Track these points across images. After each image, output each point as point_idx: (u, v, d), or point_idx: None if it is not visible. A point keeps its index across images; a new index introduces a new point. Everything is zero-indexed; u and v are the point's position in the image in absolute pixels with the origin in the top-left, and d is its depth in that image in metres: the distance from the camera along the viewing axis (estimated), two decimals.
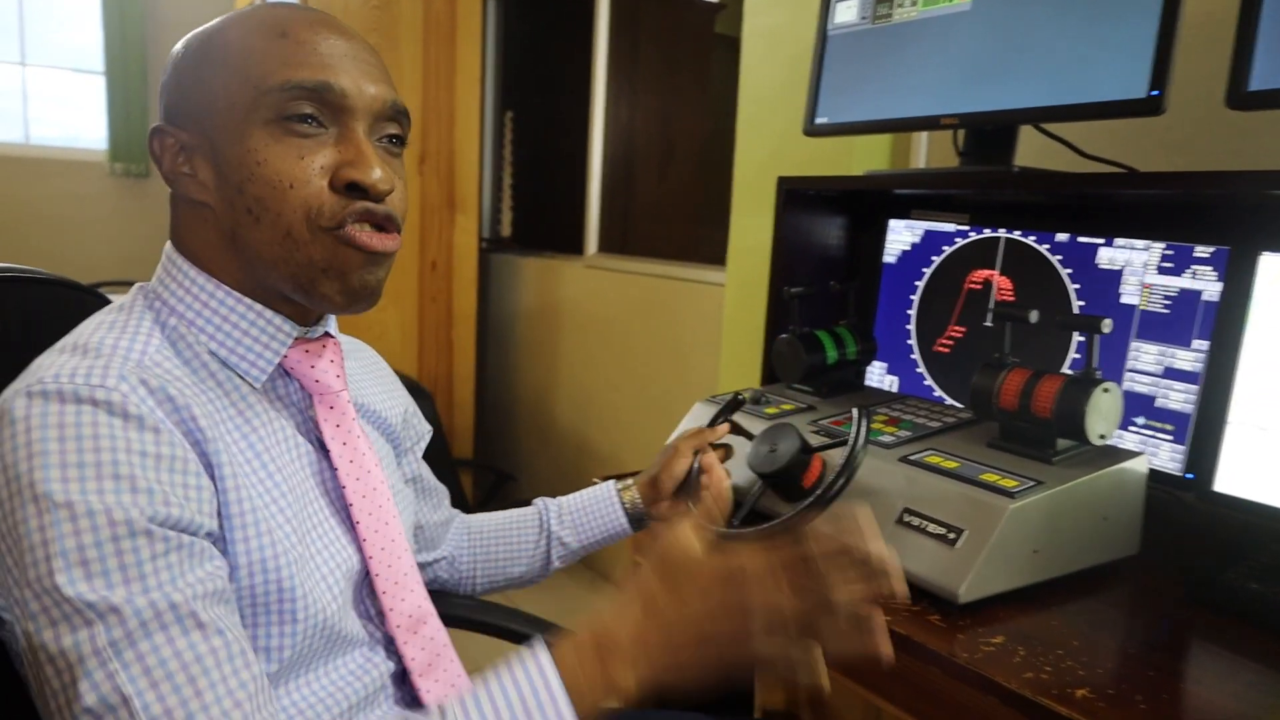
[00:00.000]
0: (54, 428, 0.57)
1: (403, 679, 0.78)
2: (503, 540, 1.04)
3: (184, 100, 0.69)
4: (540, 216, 3.52)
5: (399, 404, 0.89)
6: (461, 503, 2.81)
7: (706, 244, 2.79)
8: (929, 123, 1.18)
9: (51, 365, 0.61)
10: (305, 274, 0.68)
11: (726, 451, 1.05)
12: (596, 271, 2.85)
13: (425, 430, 0.96)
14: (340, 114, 0.68)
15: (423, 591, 0.80)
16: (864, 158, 1.71)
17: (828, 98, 1.31)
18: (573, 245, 3.05)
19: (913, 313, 1.34)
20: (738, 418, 1.10)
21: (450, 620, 0.99)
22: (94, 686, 0.53)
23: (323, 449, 0.75)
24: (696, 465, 1.02)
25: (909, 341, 1.34)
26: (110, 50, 3.83)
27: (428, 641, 0.79)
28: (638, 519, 1.02)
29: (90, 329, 0.67)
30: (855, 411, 0.92)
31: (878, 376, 1.39)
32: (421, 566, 1.00)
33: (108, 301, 0.81)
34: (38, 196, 3.86)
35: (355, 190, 0.67)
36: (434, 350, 3.05)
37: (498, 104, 3.60)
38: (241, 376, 0.70)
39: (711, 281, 2.34)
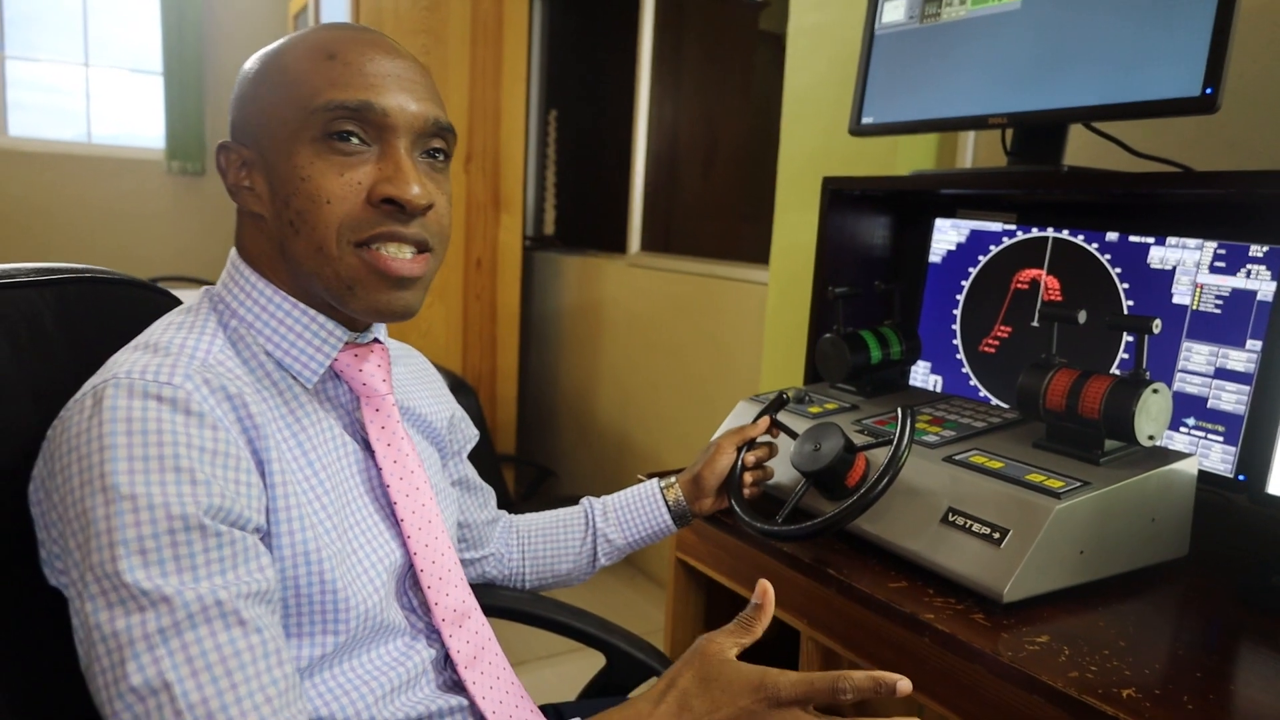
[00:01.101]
0: (123, 421, 0.60)
1: (443, 665, 0.81)
2: (550, 539, 1.06)
3: (245, 118, 0.73)
4: (583, 215, 3.55)
5: (445, 409, 0.92)
6: (504, 498, 2.86)
7: (749, 242, 2.79)
8: (977, 122, 1.18)
9: (125, 362, 0.65)
10: (336, 287, 0.71)
11: (770, 450, 1.06)
12: (639, 270, 2.86)
13: (472, 435, 0.99)
14: (382, 132, 0.70)
15: (466, 587, 0.83)
16: (908, 157, 1.70)
17: (874, 97, 1.31)
18: (615, 244, 3.07)
19: (958, 313, 1.33)
20: (781, 416, 1.10)
21: (499, 612, 1.02)
22: (140, 669, 0.56)
23: (368, 449, 0.78)
24: (740, 463, 1.03)
25: (954, 342, 1.34)
26: (168, 52, 3.95)
27: (472, 635, 0.81)
28: (681, 516, 1.04)
29: (161, 329, 0.71)
30: (900, 411, 0.93)
31: (922, 376, 1.38)
32: (469, 563, 1.02)
33: (174, 300, 0.85)
34: (99, 194, 3.99)
35: (391, 205, 0.69)
36: (478, 347, 3.10)
37: (542, 103, 3.64)
38: (294, 377, 0.74)
39: (754, 280, 2.35)
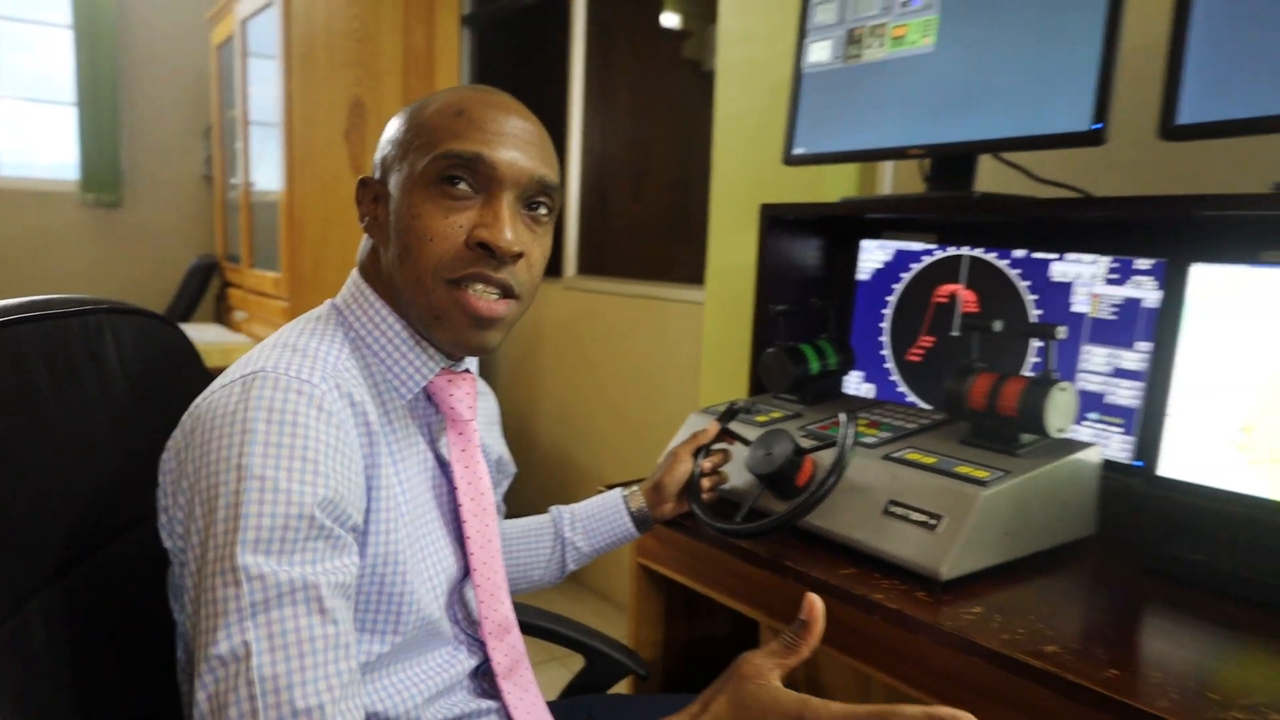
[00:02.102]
0: (265, 410, 0.67)
1: (477, 674, 0.88)
2: (523, 548, 1.12)
3: (384, 159, 0.82)
4: None
5: (498, 446, 1.01)
6: None
7: (681, 264, 2.90)
8: (898, 153, 1.30)
9: (268, 357, 0.72)
10: (426, 317, 0.79)
11: (724, 456, 1.15)
12: (576, 293, 2.94)
13: (511, 471, 1.07)
14: (490, 182, 0.77)
15: (510, 603, 0.90)
16: (834, 182, 1.83)
17: (804, 130, 1.43)
18: (551, 267, 3.14)
19: (886, 325, 1.45)
20: (733, 426, 1.19)
21: None
22: (229, 636, 0.62)
23: (443, 467, 0.85)
24: (697, 469, 1.12)
25: (883, 352, 1.45)
26: (83, 83, 3.86)
27: (510, 648, 0.88)
28: (643, 522, 1.12)
29: (295, 333, 0.78)
30: (843, 416, 1.03)
31: (855, 385, 1.50)
32: None
33: (180, 332, 0.91)
34: (9, 226, 3.86)
35: (484, 249, 0.76)
36: None
37: None
38: (395, 391, 0.81)
39: (690, 300, 2.45)
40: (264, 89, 3.12)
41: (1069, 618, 0.87)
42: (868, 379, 1.48)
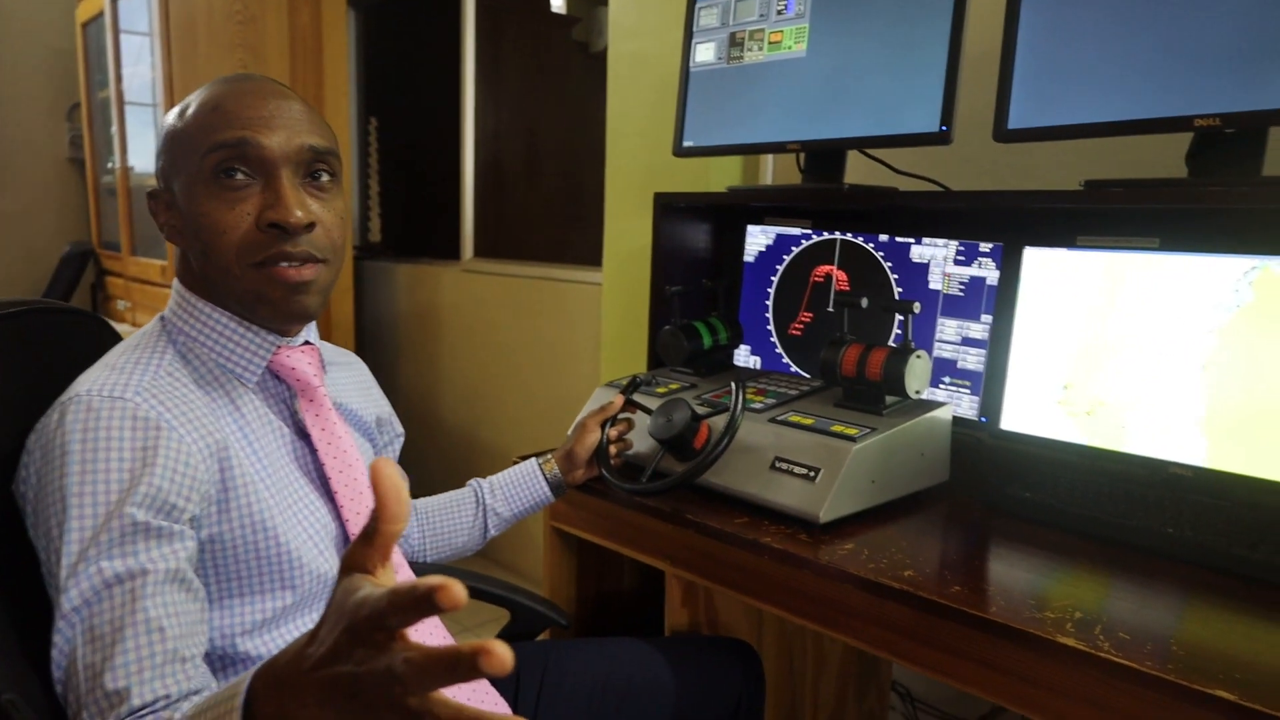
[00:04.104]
0: (79, 431, 0.74)
1: None
2: (447, 517, 1.21)
3: (162, 169, 0.87)
4: (412, 223, 3.62)
5: (374, 409, 1.07)
6: None
7: (576, 246, 3.00)
8: (777, 147, 1.44)
9: (86, 380, 0.79)
10: (245, 301, 0.86)
11: (629, 424, 1.27)
12: (474, 276, 3.00)
13: (399, 432, 1.14)
14: (265, 165, 0.83)
15: (398, 550, 0.98)
16: (720, 171, 1.97)
17: (693, 124, 1.55)
18: (448, 251, 3.18)
19: (770, 303, 1.60)
20: (635, 397, 1.31)
21: None
22: (64, 637, 0.71)
23: (304, 434, 0.92)
24: (605, 438, 1.23)
25: (768, 327, 1.60)
26: None
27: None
28: (558, 487, 1.23)
29: (120, 351, 0.85)
30: (733, 385, 1.16)
31: (744, 357, 1.64)
32: None
33: (104, 323, 0.95)
34: None
35: (277, 228, 0.82)
36: None
37: (361, 112, 3.67)
38: (239, 377, 0.87)
39: (588, 281, 2.55)
40: (140, 68, 3.02)
41: (925, 549, 1.03)
42: (754, 351, 1.63)
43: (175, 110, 0.87)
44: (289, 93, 0.88)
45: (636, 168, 2.11)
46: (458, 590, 0.40)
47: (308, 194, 0.85)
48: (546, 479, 1.22)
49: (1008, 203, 1.20)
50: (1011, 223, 1.32)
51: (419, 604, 0.41)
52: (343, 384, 1.03)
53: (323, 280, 0.87)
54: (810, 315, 1.55)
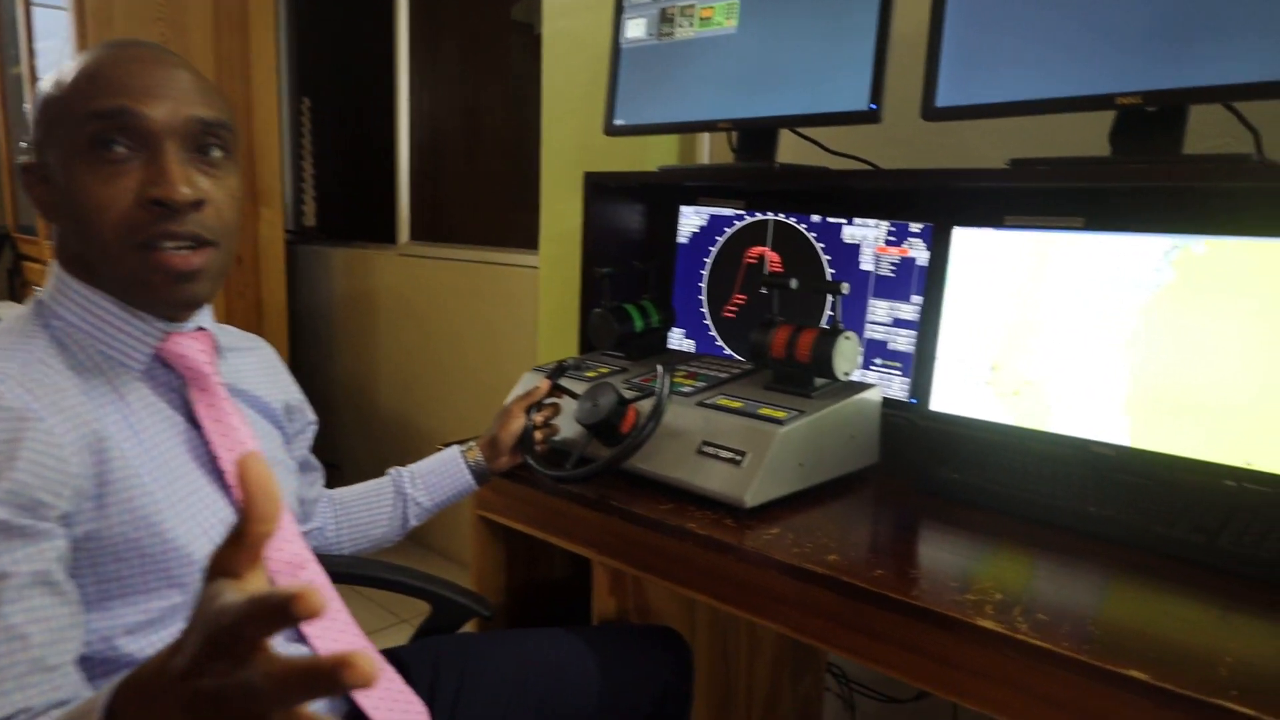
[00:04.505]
0: None
1: None
2: (365, 508, 1.17)
3: (37, 140, 0.80)
4: (347, 206, 3.53)
5: (282, 395, 1.02)
6: None
7: (517, 229, 2.94)
8: (709, 126, 1.41)
9: None
10: (127, 286, 0.80)
11: (555, 409, 1.24)
12: (410, 259, 2.93)
13: (311, 419, 1.08)
14: (147, 137, 0.77)
15: (303, 543, 0.93)
16: (656, 151, 1.93)
17: (624, 102, 1.51)
18: (384, 234, 3.11)
19: (704, 285, 1.58)
20: (563, 381, 1.28)
21: (332, 578, 1.12)
22: None
23: (197, 424, 0.86)
24: (530, 423, 1.20)
25: (702, 310, 1.58)
26: None
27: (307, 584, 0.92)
28: (481, 475, 1.19)
29: None
30: (660, 369, 1.14)
31: (678, 340, 1.62)
32: None
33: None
34: None
35: (160, 205, 0.76)
36: None
37: (293, 92, 3.56)
38: (123, 365, 0.81)
39: (525, 264, 2.51)
40: (53, 43, 2.88)
41: (851, 532, 1.02)
42: (689, 335, 1.60)
43: (52, 77, 0.80)
44: (177, 60, 0.82)
45: (572, 148, 2.07)
46: (314, 600, 0.37)
47: (196, 170, 0.79)
48: (469, 467, 1.19)
49: (935, 181, 1.19)
50: (941, 203, 1.31)
51: (275, 614, 0.38)
52: (246, 370, 0.98)
53: (214, 267, 0.82)
54: (744, 297, 1.53)
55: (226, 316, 2.99)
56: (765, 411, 1.12)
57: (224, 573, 0.43)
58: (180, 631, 0.76)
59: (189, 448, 0.85)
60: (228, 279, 2.88)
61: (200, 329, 0.88)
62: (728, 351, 1.55)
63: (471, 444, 1.21)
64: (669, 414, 1.16)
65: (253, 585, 0.44)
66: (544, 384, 1.23)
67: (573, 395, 1.23)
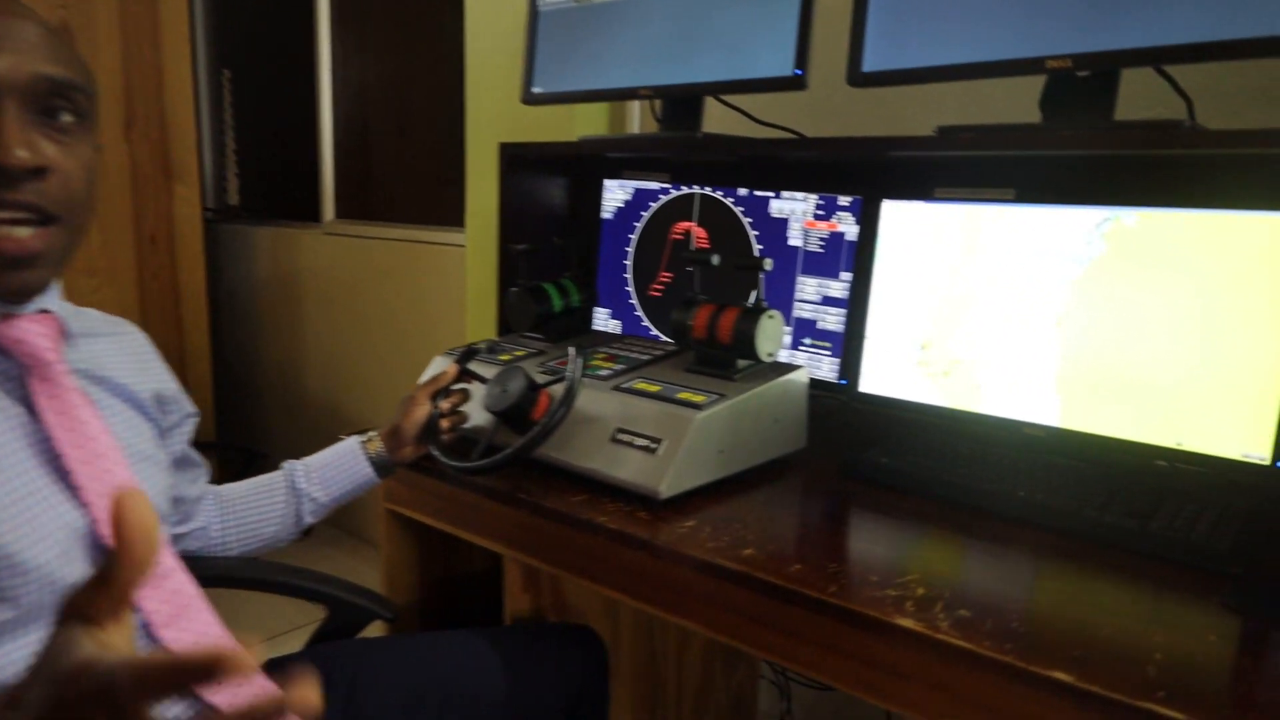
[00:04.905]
0: None
1: (144, 630, 0.82)
2: (253, 505, 1.08)
3: None
4: (271, 184, 3.37)
5: (153, 384, 0.91)
6: None
7: (452, 206, 2.83)
8: (629, 93, 1.33)
9: None
10: None
11: (463, 396, 1.16)
12: (336, 239, 2.80)
13: (189, 412, 0.98)
14: None
15: (167, 549, 0.84)
16: (585, 122, 1.85)
17: (542, 69, 1.43)
18: (309, 213, 2.97)
19: (629, 263, 1.50)
20: (474, 365, 1.20)
21: (211, 581, 1.03)
22: None
23: (39, 416, 0.77)
24: (436, 411, 1.12)
25: (628, 289, 1.51)
26: None
27: (171, 595, 0.83)
28: (383, 467, 1.10)
29: None
30: (572, 351, 1.06)
31: (603, 321, 1.55)
32: (177, 539, 1.02)
33: None
34: None
35: None
36: (161, 330, 2.86)
37: (212, 62, 3.38)
38: None
39: (453, 243, 2.41)
40: None
41: (771, 524, 0.96)
42: (614, 315, 1.53)
43: None
44: (25, 11, 0.72)
45: (498, 119, 1.97)
46: (236, 662, 0.34)
47: (40, 134, 0.70)
48: (369, 458, 1.10)
49: (862, 150, 1.13)
50: (871, 175, 1.25)
51: (178, 681, 0.34)
52: (107, 356, 0.88)
53: (55, 248, 0.73)
54: (670, 275, 1.46)
55: (140, 301, 2.84)
56: (683, 396, 1.05)
57: (81, 618, 0.38)
58: (22, 646, 0.66)
59: (29, 443, 0.75)
60: (140, 261, 2.73)
61: (44, 311, 0.78)
62: (654, 332, 1.48)
63: (373, 434, 1.12)
64: (583, 399, 1.09)
65: (116, 639, 0.38)
66: (451, 369, 1.15)
67: (482, 380, 1.15)
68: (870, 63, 1.10)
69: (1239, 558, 0.85)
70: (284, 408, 3.09)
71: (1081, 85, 0.98)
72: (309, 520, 1.10)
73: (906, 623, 0.74)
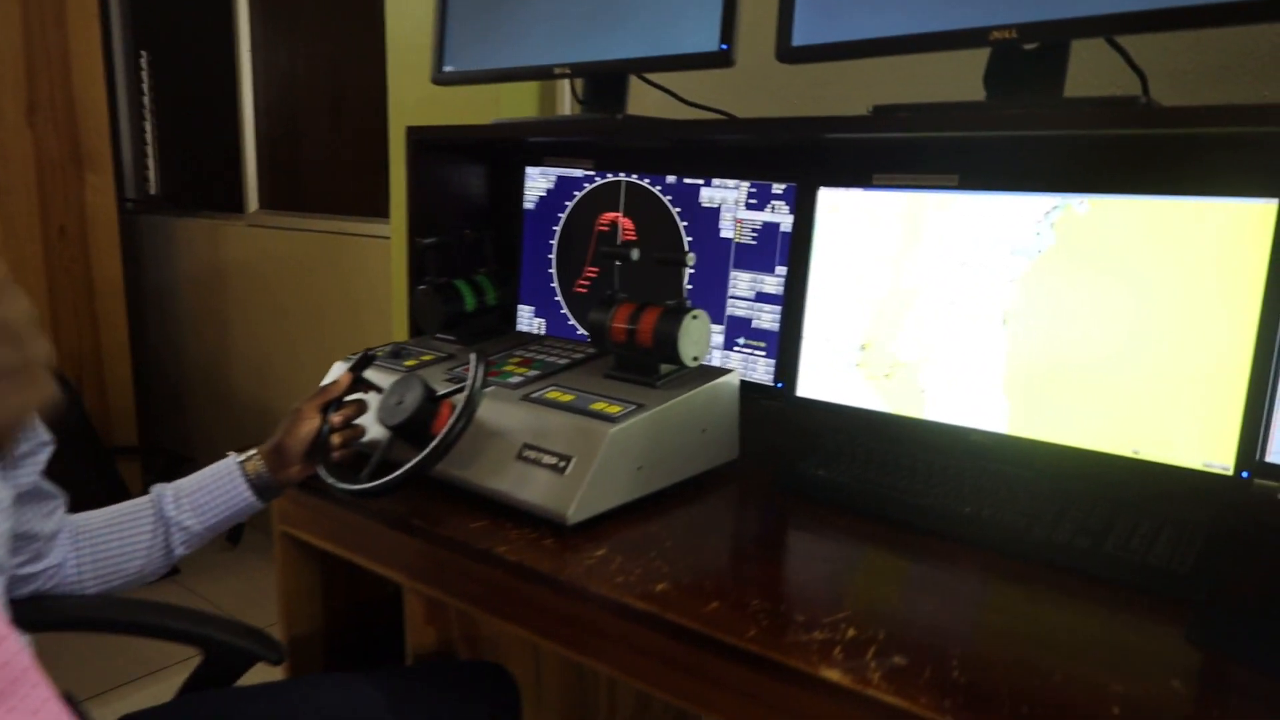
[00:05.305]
0: None
1: None
2: (114, 537, 0.95)
3: None
4: (195, 172, 3.19)
5: None
6: (123, 496, 2.54)
7: (385, 195, 2.69)
8: (545, 72, 1.22)
9: None
10: None
11: (358, 408, 1.04)
12: (260, 230, 2.65)
13: (45, 440, 0.85)
14: None
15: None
16: (513, 106, 1.73)
17: (454, 46, 1.31)
18: (230, 203, 2.81)
19: (553, 257, 1.39)
20: (370, 373, 1.08)
21: (66, 625, 0.91)
22: None
23: None
24: (326, 425, 1.00)
25: (552, 285, 1.40)
26: None
27: (1, 666, 0.71)
28: (266, 489, 0.98)
29: None
30: (473, 357, 0.95)
31: (527, 319, 1.43)
32: (24, 580, 0.90)
33: None
34: None
35: None
36: (73, 328, 2.69)
37: (129, 43, 3.19)
38: None
39: (379, 235, 2.28)
40: None
41: (691, 551, 0.86)
42: (538, 313, 1.42)
43: None
44: None
45: (420, 103, 1.84)
46: None
47: None
48: (249, 480, 0.98)
49: (793, 132, 1.03)
50: (806, 160, 1.16)
51: None
52: None
53: None
54: (596, 270, 1.35)
55: (50, 296, 2.66)
56: (597, 407, 0.95)
57: None
58: None
59: None
60: (48, 254, 2.54)
61: None
62: (581, 332, 1.37)
63: (254, 452, 1.00)
64: (488, 411, 0.98)
65: None
66: (343, 378, 1.04)
67: (379, 390, 1.03)
68: (800, 36, 1.00)
69: (1201, 581, 0.78)
70: (210, 408, 2.93)
71: (1028, 59, 0.89)
72: (180, 551, 0.98)
73: (833, 674, 0.64)
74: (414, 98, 1.85)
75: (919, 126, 0.91)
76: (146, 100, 3.21)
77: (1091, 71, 0.98)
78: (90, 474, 2.55)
